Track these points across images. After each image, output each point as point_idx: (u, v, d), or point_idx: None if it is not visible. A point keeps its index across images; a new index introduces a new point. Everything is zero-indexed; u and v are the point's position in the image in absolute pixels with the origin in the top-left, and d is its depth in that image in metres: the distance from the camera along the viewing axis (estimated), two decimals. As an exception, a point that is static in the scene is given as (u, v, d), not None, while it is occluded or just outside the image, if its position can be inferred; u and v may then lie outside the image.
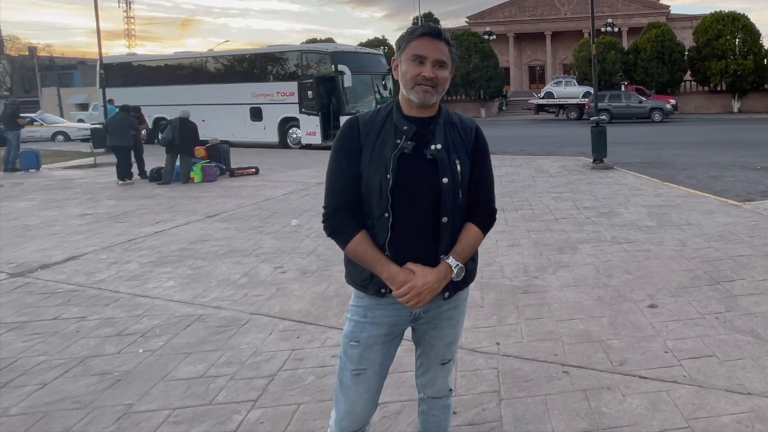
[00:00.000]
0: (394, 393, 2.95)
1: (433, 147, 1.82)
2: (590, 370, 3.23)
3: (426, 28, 1.82)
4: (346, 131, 1.86)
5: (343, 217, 1.83)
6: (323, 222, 1.85)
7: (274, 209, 8.32)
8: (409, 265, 1.81)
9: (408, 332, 2.03)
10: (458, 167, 1.84)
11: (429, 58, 1.79)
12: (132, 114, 12.49)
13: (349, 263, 1.90)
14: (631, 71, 38.68)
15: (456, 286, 1.90)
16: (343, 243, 1.83)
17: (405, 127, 1.82)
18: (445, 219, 1.83)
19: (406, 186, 1.79)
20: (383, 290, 1.84)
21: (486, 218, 1.94)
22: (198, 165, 11.72)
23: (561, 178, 10.69)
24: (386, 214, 1.79)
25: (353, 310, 1.94)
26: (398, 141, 1.80)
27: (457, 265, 1.83)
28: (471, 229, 1.89)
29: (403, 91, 1.85)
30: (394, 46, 1.91)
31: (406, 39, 1.83)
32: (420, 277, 1.78)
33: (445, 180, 1.81)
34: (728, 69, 35.91)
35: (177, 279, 5.10)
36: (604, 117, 12.73)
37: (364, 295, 1.91)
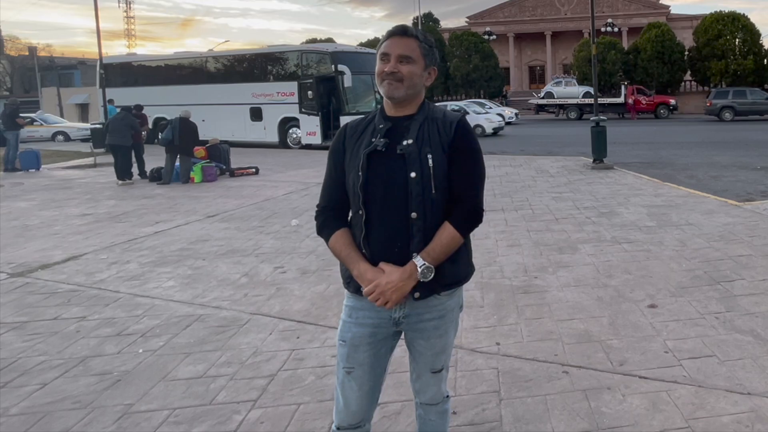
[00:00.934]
0: (394, 393, 2.95)
1: (405, 142, 1.84)
2: (590, 370, 3.23)
3: (393, 29, 1.90)
4: (336, 136, 1.97)
5: (326, 215, 1.93)
6: (315, 220, 1.97)
7: (274, 209, 8.32)
8: (382, 264, 1.82)
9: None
10: (430, 162, 1.81)
11: (392, 54, 1.85)
12: (134, 113, 12.49)
13: (340, 262, 1.96)
14: (631, 71, 38.72)
15: (428, 288, 1.84)
16: (325, 240, 1.92)
17: (381, 126, 1.87)
18: (414, 215, 1.80)
19: (378, 182, 1.81)
20: (362, 288, 1.85)
21: (463, 217, 1.84)
22: (198, 165, 11.71)
23: (561, 178, 10.69)
24: (360, 212, 1.83)
25: (343, 309, 1.98)
26: (373, 139, 1.85)
27: (423, 264, 1.78)
28: (445, 229, 1.82)
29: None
30: None
31: (380, 43, 1.91)
32: (385, 276, 1.78)
33: (413, 174, 1.80)
34: (728, 69, 35.94)
35: (177, 279, 5.10)
36: (611, 117, 12.66)
37: (350, 295, 1.94)
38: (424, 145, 1.83)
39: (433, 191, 1.81)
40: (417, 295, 1.85)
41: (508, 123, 27.75)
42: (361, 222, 1.83)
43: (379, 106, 1.96)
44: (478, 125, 22.41)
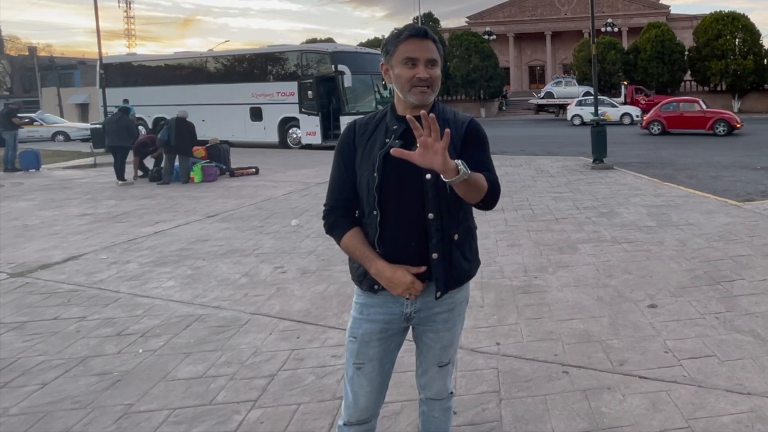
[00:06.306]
0: (394, 393, 2.95)
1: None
2: (590, 370, 3.23)
3: (412, 30, 1.83)
4: (344, 134, 1.93)
5: (337, 214, 1.90)
6: (322, 219, 1.93)
7: (274, 209, 8.31)
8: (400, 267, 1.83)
9: (411, 331, 2.04)
10: None
11: (420, 59, 1.80)
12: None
13: (350, 259, 1.95)
14: (631, 71, 38.70)
15: (447, 286, 1.88)
16: (337, 239, 1.90)
17: (395, 127, 1.85)
18: (431, 215, 1.82)
19: (393, 184, 1.81)
20: (376, 286, 1.87)
21: (490, 181, 1.78)
22: (198, 165, 11.71)
23: (561, 178, 10.69)
24: (374, 212, 1.83)
25: (353, 306, 1.98)
26: (387, 140, 1.83)
27: (466, 171, 1.65)
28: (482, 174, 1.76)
29: (399, 94, 1.85)
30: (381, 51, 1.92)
31: (393, 43, 1.83)
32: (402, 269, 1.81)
33: (428, 176, 1.79)
34: (728, 69, 35.92)
35: (177, 279, 5.10)
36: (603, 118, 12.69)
37: (361, 292, 1.95)
38: None
39: (449, 191, 1.79)
40: (438, 294, 1.88)
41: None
42: (376, 222, 1.83)
43: (389, 105, 1.93)
44: None
